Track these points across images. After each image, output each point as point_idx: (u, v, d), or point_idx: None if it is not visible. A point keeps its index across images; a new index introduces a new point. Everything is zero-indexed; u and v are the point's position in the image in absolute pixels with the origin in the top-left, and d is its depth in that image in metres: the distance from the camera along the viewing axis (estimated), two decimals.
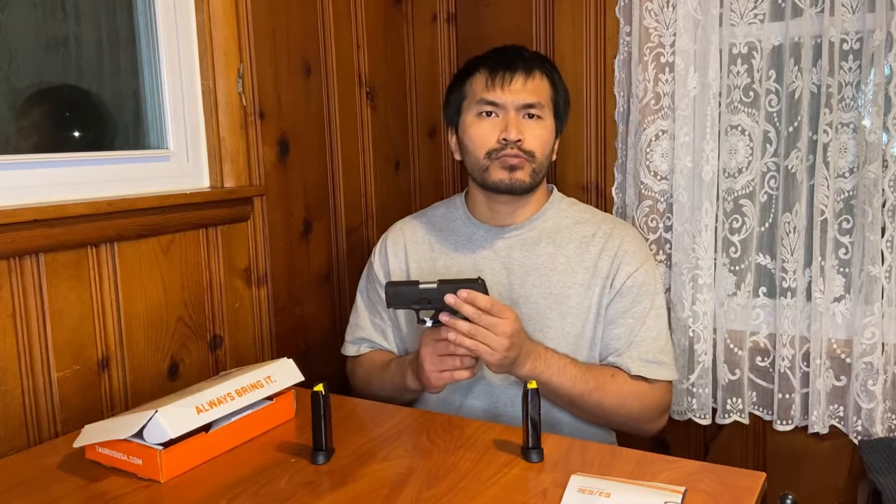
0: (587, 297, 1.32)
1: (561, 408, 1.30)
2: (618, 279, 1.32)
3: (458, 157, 1.41)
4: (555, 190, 1.44)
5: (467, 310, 1.14)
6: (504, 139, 1.28)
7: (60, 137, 1.30)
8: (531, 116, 1.31)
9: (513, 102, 1.29)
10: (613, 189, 1.78)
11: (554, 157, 1.39)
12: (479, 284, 1.16)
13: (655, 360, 1.30)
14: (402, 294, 1.17)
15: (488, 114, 1.31)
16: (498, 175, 1.30)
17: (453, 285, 1.15)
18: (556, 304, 1.32)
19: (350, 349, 1.48)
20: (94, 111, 1.35)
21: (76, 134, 1.32)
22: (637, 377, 1.28)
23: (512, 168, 1.29)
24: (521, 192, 1.32)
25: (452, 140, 1.41)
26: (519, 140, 1.28)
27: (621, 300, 1.32)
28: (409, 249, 1.43)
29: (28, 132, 1.24)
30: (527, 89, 1.30)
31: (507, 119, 1.29)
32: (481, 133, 1.31)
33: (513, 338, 1.16)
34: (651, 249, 1.69)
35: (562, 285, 1.32)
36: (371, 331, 1.46)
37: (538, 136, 1.31)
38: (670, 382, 1.34)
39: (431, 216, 1.47)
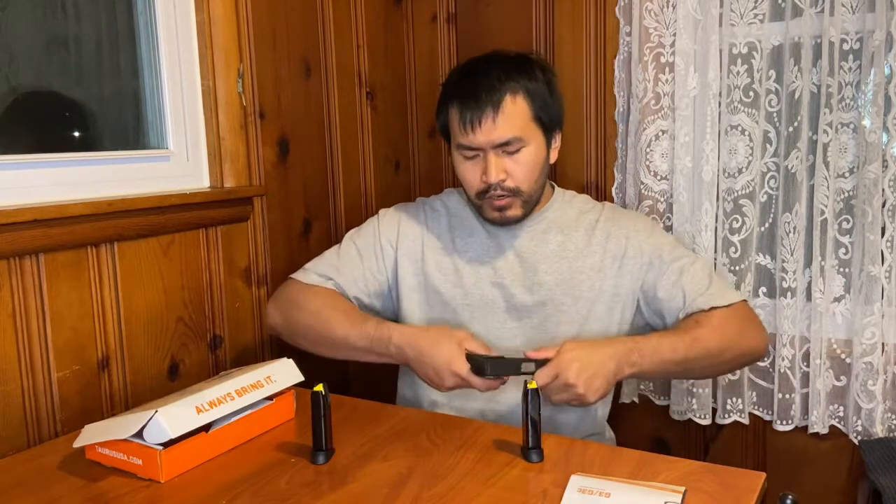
0: (598, 280, 1.33)
1: (679, 378, 1.25)
2: (640, 256, 1.33)
3: None
4: (556, 186, 1.45)
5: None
6: (486, 182, 1.28)
7: (70, 138, 1.31)
8: (511, 152, 1.27)
9: (487, 143, 1.26)
10: (613, 189, 1.78)
11: (555, 158, 1.38)
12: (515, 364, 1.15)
13: (718, 291, 1.29)
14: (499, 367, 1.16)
15: (470, 156, 1.29)
16: (490, 215, 1.32)
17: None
18: (570, 290, 1.33)
19: (312, 278, 1.37)
20: (76, 116, 1.34)
21: (87, 134, 1.32)
22: (712, 309, 1.27)
23: (501, 209, 1.30)
24: (517, 222, 1.33)
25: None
26: (501, 179, 1.27)
27: (653, 270, 1.33)
28: (427, 230, 1.40)
29: (34, 134, 1.24)
30: (497, 127, 1.25)
31: (487, 160, 1.27)
32: (467, 176, 1.31)
33: (580, 377, 1.11)
34: None
35: (573, 270, 1.33)
36: (347, 280, 1.37)
37: (523, 165, 1.28)
38: (745, 301, 1.32)
39: (447, 201, 1.45)
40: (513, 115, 1.26)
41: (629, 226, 1.36)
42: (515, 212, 1.31)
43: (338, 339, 1.27)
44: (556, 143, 1.37)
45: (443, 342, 1.17)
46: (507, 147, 1.26)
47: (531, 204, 1.33)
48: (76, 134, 1.34)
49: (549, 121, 1.31)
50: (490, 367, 1.13)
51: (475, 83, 1.27)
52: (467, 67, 1.33)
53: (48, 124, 1.30)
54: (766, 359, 1.63)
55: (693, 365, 1.24)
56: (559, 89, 1.36)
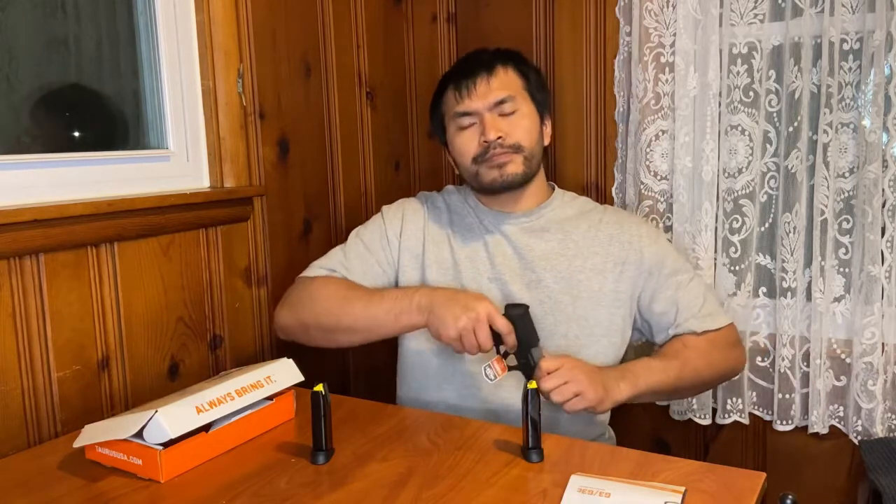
0: (598, 282, 1.33)
1: (667, 400, 1.33)
2: (640, 264, 1.34)
3: (457, 171, 1.44)
4: (556, 187, 1.46)
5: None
6: (485, 142, 1.31)
7: (70, 138, 1.31)
8: (507, 113, 1.32)
9: (484, 105, 1.32)
10: (613, 189, 1.78)
11: (547, 142, 1.41)
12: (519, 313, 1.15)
13: (710, 313, 1.34)
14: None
15: (466, 124, 1.34)
16: (489, 175, 1.33)
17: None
18: (568, 289, 1.33)
19: (319, 272, 1.37)
20: (105, 112, 1.36)
21: (88, 134, 1.33)
22: (703, 332, 1.32)
23: (501, 165, 1.31)
24: (517, 185, 1.34)
25: (450, 157, 1.44)
26: (500, 137, 1.30)
27: (651, 280, 1.34)
28: (428, 224, 1.41)
29: (37, 134, 1.25)
30: (492, 88, 1.32)
31: (484, 122, 1.31)
32: (464, 144, 1.34)
33: (584, 375, 1.15)
34: None
35: (573, 269, 1.34)
36: (356, 273, 1.37)
37: (520, 125, 1.32)
38: (732, 324, 1.38)
39: (447, 198, 1.47)
40: (506, 79, 1.34)
41: (632, 231, 1.37)
42: (516, 168, 1.32)
43: (357, 313, 1.26)
44: (547, 129, 1.41)
45: (475, 294, 1.21)
46: (502, 106, 1.32)
47: (532, 166, 1.34)
48: (100, 131, 1.35)
49: (541, 98, 1.38)
50: (527, 312, 1.15)
51: (468, 61, 1.37)
52: (462, 56, 1.42)
53: (79, 119, 1.32)
54: (766, 359, 1.64)
55: (682, 385, 1.30)
56: (546, 84, 1.43)
